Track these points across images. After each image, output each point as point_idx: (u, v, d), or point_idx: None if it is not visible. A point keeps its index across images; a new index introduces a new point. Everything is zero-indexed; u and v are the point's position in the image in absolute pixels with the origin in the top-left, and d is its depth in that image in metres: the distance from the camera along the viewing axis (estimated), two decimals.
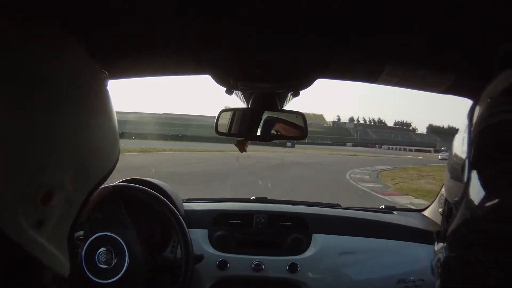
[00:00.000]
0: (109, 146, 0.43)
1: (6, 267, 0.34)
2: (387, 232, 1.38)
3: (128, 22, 0.75)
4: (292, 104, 1.17)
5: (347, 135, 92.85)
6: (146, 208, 1.20)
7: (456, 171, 0.42)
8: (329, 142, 72.20)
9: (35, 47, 0.37)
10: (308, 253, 1.33)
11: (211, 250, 1.32)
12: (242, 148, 1.16)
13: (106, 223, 1.03)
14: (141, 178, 1.34)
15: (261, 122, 1.11)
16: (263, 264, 1.30)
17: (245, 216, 1.42)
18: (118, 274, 0.96)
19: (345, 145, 69.07)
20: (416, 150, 55.84)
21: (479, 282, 0.37)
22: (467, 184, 0.38)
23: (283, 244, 1.36)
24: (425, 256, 1.32)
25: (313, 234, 1.37)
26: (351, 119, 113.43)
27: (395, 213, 1.61)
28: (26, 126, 0.34)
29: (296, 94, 1.01)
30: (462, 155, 0.41)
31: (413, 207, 1.75)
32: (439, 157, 41.52)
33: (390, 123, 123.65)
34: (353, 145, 69.85)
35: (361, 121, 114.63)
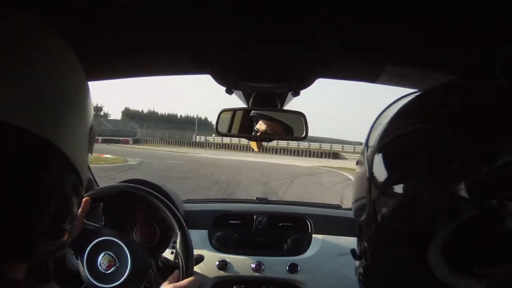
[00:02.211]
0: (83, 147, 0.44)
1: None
2: None
3: (128, 21, 0.75)
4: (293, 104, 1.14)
5: None
6: (145, 209, 1.20)
7: (361, 190, 0.46)
8: None
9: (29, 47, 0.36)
10: (308, 253, 1.33)
11: (211, 250, 1.32)
12: (259, 147, 1.20)
13: (106, 226, 1.02)
14: (140, 179, 1.34)
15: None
16: (263, 265, 1.30)
17: (245, 216, 1.42)
18: (122, 277, 0.95)
19: None
20: (105, 141, 39.16)
21: (393, 278, 0.41)
22: (373, 204, 0.42)
23: (283, 244, 1.36)
24: None
25: (313, 235, 1.37)
26: None
27: None
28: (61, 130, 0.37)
29: (296, 93, 1.01)
30: (364, 176, 0.45)
31: None
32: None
33: None
34: None
35: None
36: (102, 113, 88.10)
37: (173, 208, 1.10)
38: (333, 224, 1.41)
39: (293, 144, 39.94)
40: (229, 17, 0.71)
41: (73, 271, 1.12)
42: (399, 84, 0.99)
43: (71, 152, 0.38)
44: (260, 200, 1.62)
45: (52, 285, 0.43)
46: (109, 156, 17.24)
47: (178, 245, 1.03)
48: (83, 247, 0.97)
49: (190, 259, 1.06)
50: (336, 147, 40.22)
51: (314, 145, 40.34)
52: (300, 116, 1.09)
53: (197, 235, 1.33)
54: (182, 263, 1.04)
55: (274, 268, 1.31)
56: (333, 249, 1.34)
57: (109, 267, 0.96)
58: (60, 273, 1.14)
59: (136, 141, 46.24)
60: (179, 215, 1.09)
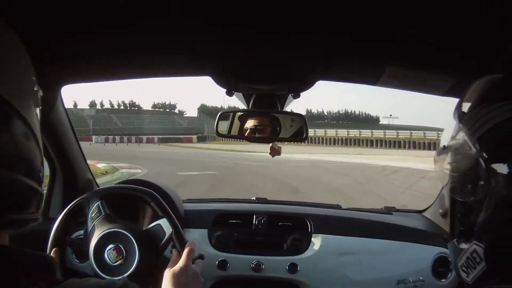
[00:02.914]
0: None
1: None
2: (387, 233, 1.38)
3: (128, 21, 0.75)
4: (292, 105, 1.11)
5: (84, 126, 56.68)
6: (144, 208, 1.20)
7: (467, 171, 0.48)
8: None
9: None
10: (308, 253, 1.34)
11: (211, 250, 1.32)
12: (274, 153, 1.23)
13: (111, 219, 1.02)
14: (140, 179, 1.35)
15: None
16: (262, 264, 1.30)
17: (245, 216, 1.42)
18: (129, 270, 0.95)
19: None
20: (162, 140, 35.86)
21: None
22: (488, 181, 0.45)
23: (283, 244, 1.36)
24: (424, 256, 1.32)
25: (313, 235, 1.37)
26: (93, 104, 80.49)
27: (395, 214, 1.61)
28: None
29: (296, 95, 1.01)
30: (469, 156, 0.47)
31: (412, 209, 1.75)
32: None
33: (147, 106, 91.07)
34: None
35: (107, 106, 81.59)
36: (177, 111, 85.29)
37: (167, 207, 1.08)
38: (333, 224, 1.41)
39: (366, 133, 36.32)
40: (229, 20, 0.71)
41: (73, 271, 1.13)
42: (399, 86, 0.99)
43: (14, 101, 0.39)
44: (260, 200, 1.62)
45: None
46: (101, 166, 13.53)
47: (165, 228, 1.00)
48: (93, 234, 0.97)
49: (178, 230, 1.03)
50: (431, 135, 32.23)
51: (404, 133, 34.76)
52: (300, 118, 1.09)
53: (197, 235, 1.34)
54: (176, 243, 1.01)
55: (274, 268, 1.31)
56: (332, 249, 1.35)
57: (116, 259, 0.95)
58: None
59: (202, 139, 40.56)
60: (172, 215, 1.07)
